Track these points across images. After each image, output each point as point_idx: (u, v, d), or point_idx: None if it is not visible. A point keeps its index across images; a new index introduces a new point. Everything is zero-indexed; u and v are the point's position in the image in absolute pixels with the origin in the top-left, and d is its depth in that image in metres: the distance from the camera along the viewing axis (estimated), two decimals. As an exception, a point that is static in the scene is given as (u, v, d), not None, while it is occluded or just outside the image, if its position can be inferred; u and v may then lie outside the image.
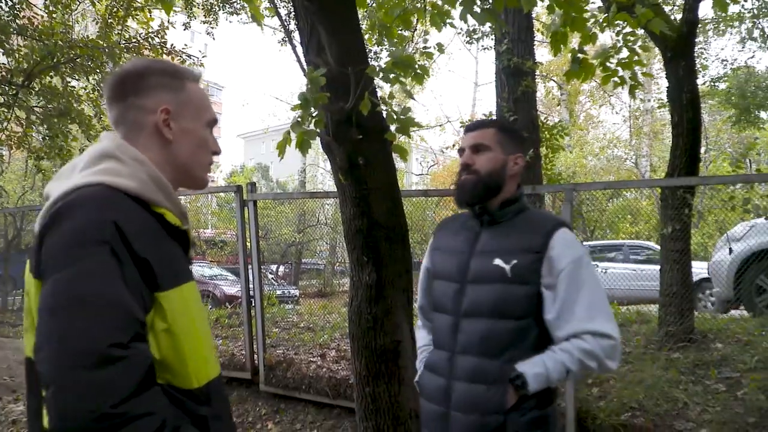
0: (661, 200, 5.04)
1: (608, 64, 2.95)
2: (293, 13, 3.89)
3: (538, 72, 7.93)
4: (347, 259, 3.11)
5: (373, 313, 2.78)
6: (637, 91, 3.13)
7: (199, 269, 11.47)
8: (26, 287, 1.07)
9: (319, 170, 28.82)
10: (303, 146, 2.48)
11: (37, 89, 7.79)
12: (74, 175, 1.10)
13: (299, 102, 2.41)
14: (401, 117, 2.55)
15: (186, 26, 9.38)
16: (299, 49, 2.81)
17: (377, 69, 2.44)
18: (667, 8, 7.27)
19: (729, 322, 5.25)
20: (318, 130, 2.53)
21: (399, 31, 3.43)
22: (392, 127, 2.61)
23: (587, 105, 23.90)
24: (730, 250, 6.18)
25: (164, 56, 8.18)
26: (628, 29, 2.95)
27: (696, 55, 6.71)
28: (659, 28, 2.68)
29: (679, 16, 5.54)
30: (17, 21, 7.16)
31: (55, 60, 7.16)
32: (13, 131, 8.50)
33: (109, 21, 8.05)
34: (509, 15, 6.40)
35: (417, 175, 28.29)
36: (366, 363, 2.84)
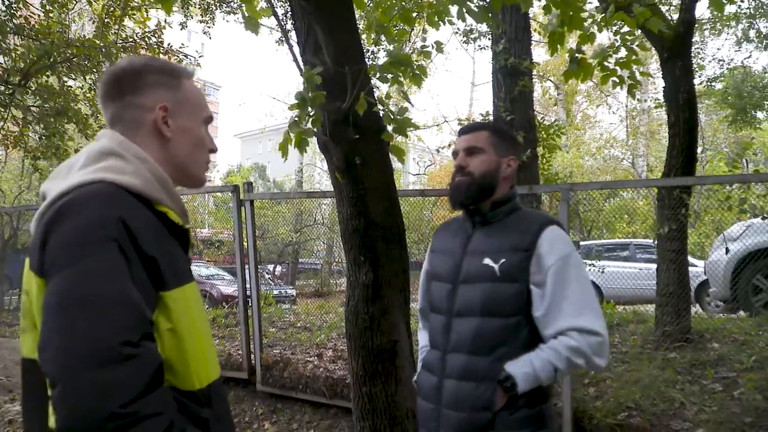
0: (658, 200, 5.06)
1: (606, 63, 2.95)
2: (290, 12, 3.88)
3: (535, 72, 7.92)
4: (344, 259, 3.11)
5: (369, 312, 2.78)
6: (635, 90, 3.13)
7: (196, 269, 11.33)
8: (25, 286, 1.04)
9: (316, 170, 28.76)
10: (301, 146, 2.50)
11: (33, 89, 7.75)
12: (72, 173, 1.07)
13: (296, 101, 2.41)
14: (398, 117, 2.55)
15: (183, 26, 9.37)
16: (296, 49, 2.80)
17: (375, 68, 2.44)
18: (663, 8, 7.27)
19: (725, 322, 5.26)
20: (315, 130, 2.53)
21: (400, 27, 3.42)
22: (389, 128, 2.61)
23: (584, 105, 23.98)
24: (727, 250, 6.21)
25: (161, 56, 8.15)
26: (626, 29, 2.95)
27: (692, 55, 6.73)
28: (657, 27, 2.69)
29: (675, 16, 5.55)
30: (14, 20, 7.12)
31: (51, 59, 7.13)
32: (10, 131, 8.46)
33: (106, 20, 8.02)
34: (506, 14, 6.39)
35: (414, 174, 28.27)
36: (363, 363, 2.83)
